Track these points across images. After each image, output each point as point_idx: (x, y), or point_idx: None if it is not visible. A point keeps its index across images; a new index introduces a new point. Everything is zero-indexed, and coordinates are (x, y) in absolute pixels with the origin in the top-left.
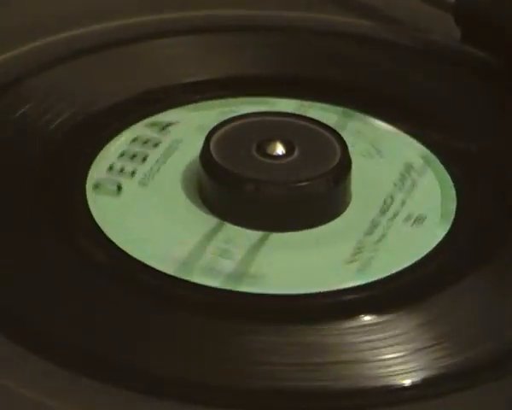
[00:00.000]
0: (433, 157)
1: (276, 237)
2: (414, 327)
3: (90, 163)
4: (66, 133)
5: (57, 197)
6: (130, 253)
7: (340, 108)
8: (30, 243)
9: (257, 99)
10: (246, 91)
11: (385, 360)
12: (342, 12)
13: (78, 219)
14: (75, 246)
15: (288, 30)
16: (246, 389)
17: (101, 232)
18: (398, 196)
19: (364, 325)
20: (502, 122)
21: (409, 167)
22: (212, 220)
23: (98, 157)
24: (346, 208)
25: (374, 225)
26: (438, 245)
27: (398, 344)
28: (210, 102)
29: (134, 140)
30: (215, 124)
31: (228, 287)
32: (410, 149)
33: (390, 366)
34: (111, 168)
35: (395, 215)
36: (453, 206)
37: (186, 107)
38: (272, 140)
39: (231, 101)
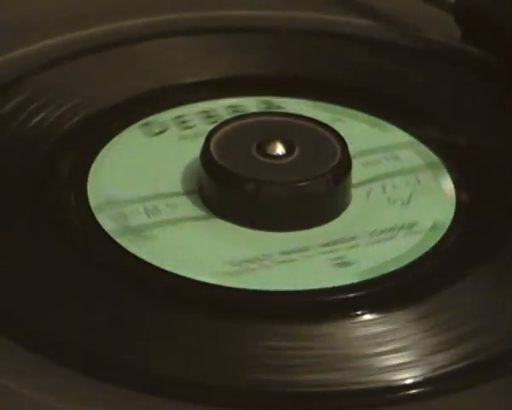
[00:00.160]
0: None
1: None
2: (413, 327)
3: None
4: (66, 133)
5: (57, 197)
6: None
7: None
8: (30, 243)
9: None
10: (246, 91)
11: (384, 359)
12: (342, 12)
13: (79, 219)
14: (75, 246)
15: (288, 30)
16: (246, 389)
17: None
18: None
19: (364, 325)
20: (502, 122)
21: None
22: (212, 220)
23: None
24: (345, 208)
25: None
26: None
27: (397, 344)
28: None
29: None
30: (215, 124)
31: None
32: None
33: (390, 366)
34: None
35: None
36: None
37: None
38: (272, 140)
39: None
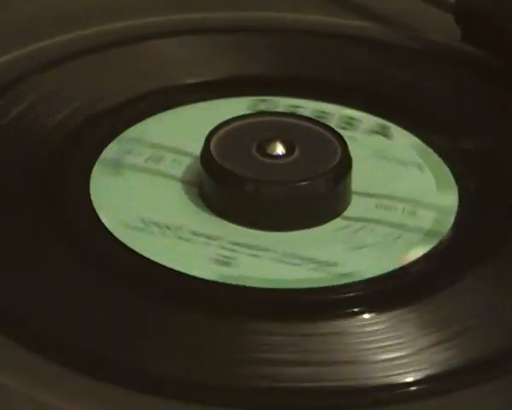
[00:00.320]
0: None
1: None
2: (413, 326)
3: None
4: (66, 133)
5: (57, 197)
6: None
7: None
8: (30, 243)
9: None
10: (246, 92)
11: (384, 359)
12: (342, 13)
13: (79, 219)
14: (75, 246)
15: (288, 31)
16: (246, 389)
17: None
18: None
19: (364, 324)
20: (502, 122)
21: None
22: (212, 220)
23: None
24: (346, 208)
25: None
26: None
27: (397, 343)
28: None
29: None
30: (215, 124)
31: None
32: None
33: (389, 365)
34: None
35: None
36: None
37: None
38: (272, 140)
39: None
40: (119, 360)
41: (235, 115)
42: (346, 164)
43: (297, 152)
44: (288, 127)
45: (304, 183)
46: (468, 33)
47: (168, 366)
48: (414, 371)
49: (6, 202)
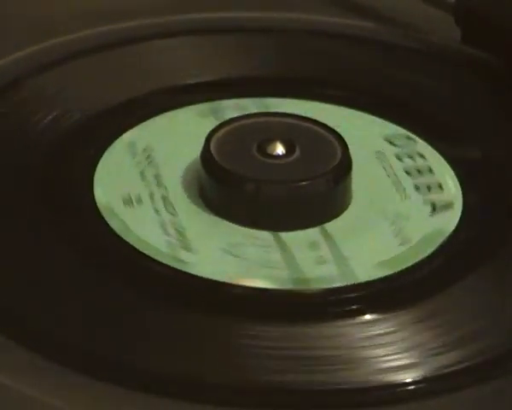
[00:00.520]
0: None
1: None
2: (414, 327)
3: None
4: (66, 134)
5: (57, 197)
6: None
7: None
8: (30, 243)
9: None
10: (246, 92)
11: (384, 359)
12: (342, 13)
13: (79, 219)
14: (75, 246)
15: (288, 31)
16: (246, 388)
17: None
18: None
19: (365, 324)
20: (502, 122)
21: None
22: (212, 219)
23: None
24: (346, 209)
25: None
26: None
27: (397, 343)
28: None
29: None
30: (216, 124)
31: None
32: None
33: (389, 366)
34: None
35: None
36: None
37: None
38: (272, 140)
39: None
40: (119, 360)
41: (236, 115)
42: (346, 164)
43: (297, 152)
44: (288, 127)
45: (304, 183)
46: (468, 34)
47: (168, 366)
48: (414, 371)
49: (6, 202)
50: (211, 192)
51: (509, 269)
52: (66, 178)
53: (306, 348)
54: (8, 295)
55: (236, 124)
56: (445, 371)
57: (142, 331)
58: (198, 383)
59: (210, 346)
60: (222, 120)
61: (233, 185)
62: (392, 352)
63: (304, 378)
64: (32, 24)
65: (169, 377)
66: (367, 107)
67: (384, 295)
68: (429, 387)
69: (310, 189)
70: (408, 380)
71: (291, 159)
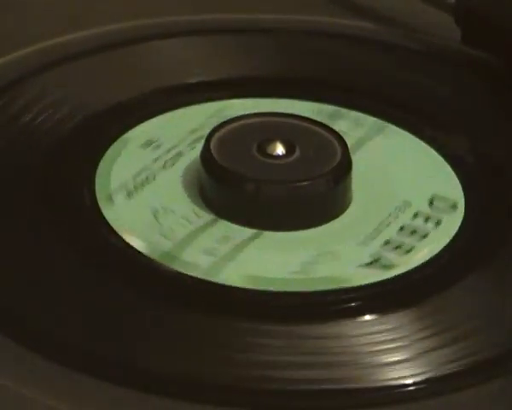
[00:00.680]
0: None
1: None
2: (413, 327)
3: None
4: (67, 134)
5: (57, 197)
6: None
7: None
8: (30, 243)
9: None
10: (246, 92)
11: (384, 359)
12: (342, 13)
13: (79, 219)
14: (75, 246)
15: (288, 31)
16: (245, 389)
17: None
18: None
19: (365, 325)
20: (502, 122)
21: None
22: (212, 219)
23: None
24: (346, 209)
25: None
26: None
27: (397, 344)
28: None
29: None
30: (216, 124)
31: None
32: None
33: (389, 366)
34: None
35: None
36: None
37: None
38: (272, 140)
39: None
40: (119, 360)
41: (236, 115)
42: (346, 164)
43: (297, 152)
44: (288, 127)
45: (304, 183)
46: (468, 34)
47: (168, 366)
48: (414, 371)
49: (6, 201)
50: (211, 192)
51: (508, 269)
52: (66, 178)
53: (306, 348)
54: (8, 295)
55: (236, 124)
56: (445, 371)
57: (142, 331)
58: (198, 383)
59: (210, 346)
60: (222, 120)
61: (233, 185)
62: (392, 352)
63: (304, 379)
64: (32, 24)
65: (169, 377)
66: (367, 107)
67: (383, 296)
68: (429, 387)
69: (310, 189)
70: (407, 380)
71: (291, 159)
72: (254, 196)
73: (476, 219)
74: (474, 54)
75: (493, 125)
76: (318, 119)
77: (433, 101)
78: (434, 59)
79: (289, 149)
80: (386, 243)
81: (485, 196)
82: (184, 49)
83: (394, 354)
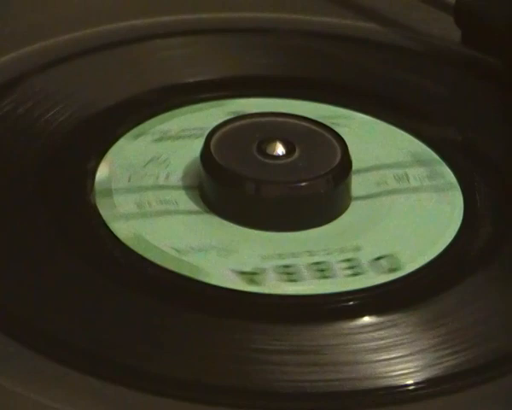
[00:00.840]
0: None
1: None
2: (414, 328)
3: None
4: (67, 133)
5: (58, 197)
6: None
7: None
8: (30, 243)
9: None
10: (247, 92)
11: (385, 360)
12: (342, 14)
13: (79, 219)
14: (75, 246)
15: (288, 32)
16: (246, 389)
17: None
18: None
19: (365, 326)
20: (502, 122)
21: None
22: (212, 219)
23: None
24: (346, 209)
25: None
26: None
27: (398, 345)
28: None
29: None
30: (216, 124)
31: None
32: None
33: (390, 367)
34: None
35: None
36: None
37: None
38: (273, 140)
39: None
40: (119, 360)
41: (236, 115)
42: (346, 164)
43: (297, 152)
44: (288, 127)
45: (304, 183)
46: (468, 34)
47: (168, 366)
48: (415, 372)
49: (6, 201)
50: (211, 192)
51: (509, 269)
52: (66, 178)
53: (307, 349)
54: (8, 295)
55: (236, 124)
56: (445, 371)
57: (142, 331)
58: (198, 383)
59: (210, 346)
60: (222, 120)
61: (233, 185)
62: (391, 353)
63: (304, 379)
64: (32, 24)
65: (169, 377)
66: (367, 107)
67: (384, 297)
68: (429, 387)
69: (310, 189)
70: (407, 381)
71: (291, 159)
72: (254, 197)
73: (476, 221)
74: (474, 54)
75: (493, 126)
76: (318, 119)
77: (433, 101)
78: (434, 59)
79: (289, 149)
80: None
81: (486, 196)
82: (184, 49)
83: (394, 355)
